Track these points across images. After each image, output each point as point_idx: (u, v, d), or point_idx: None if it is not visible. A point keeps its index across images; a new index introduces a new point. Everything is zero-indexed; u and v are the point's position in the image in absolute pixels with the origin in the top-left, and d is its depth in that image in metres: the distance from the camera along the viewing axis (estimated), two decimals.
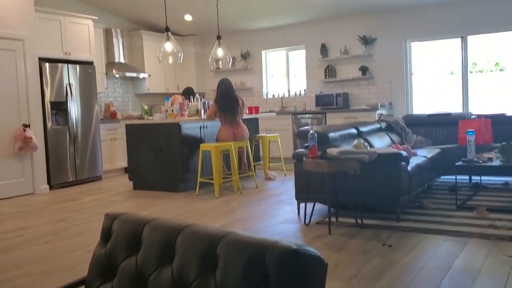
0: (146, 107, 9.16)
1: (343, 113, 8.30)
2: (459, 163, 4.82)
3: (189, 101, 7.40)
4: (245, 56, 9.86)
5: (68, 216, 5.22)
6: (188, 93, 8.03)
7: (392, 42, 8.40)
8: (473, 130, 5.14)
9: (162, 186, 6.47)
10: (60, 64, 7.25)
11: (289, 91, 9.69)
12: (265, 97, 9.89)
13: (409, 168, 4.45)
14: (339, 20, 8.85)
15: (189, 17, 9.02)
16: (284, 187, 6.43)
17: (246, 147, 6.64)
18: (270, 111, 9.28)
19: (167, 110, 6.82)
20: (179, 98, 7.71)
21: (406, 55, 8.39)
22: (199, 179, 6.11)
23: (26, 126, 6.60)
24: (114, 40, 8.85)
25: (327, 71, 8.98)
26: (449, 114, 6.62)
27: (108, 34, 8.80)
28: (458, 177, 4.99)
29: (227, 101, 6.43)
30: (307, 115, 8.71)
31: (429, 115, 6.76)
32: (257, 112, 7.62)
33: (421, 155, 5.19)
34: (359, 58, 8.66)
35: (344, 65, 8.89)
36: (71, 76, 7.39)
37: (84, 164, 7.55)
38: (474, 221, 4.17)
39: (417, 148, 5.81)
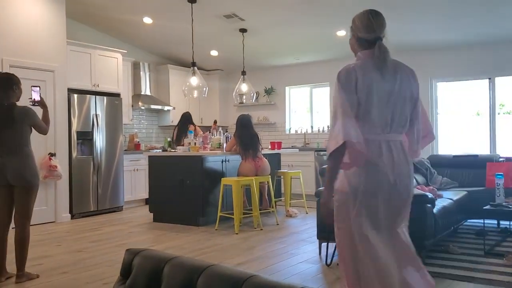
0: (169, 139, 9.23)
1: None
2: (487, 207, 4.68)
3: (187, 129, 7.36)
4: (268, 92, 9.93)
5: (87, 247, 5.22)
6: (185, 119, 7.82)
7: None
8: (502, 173, 5.02)
9: (182, 219, 6.44)
10: (88, 95, 7.40)
11: (312, 127, 9.67)
12: (288, 132, 9.88)
13: (434, 210, 4.34)
14: None
15: (215, 52, 9.17)
16: (305, 225, 6.33)
17: (268, 182, 6.60)
18: (292, 147, 9.26)
19: (189, 143, 6.86)
20: (199, 131, 7.70)
21: (432, 94, 8.33)
22: (219, 214, 6.07)
23: (52, 155, 6.70)
24: (142, 73, 9.03)
25: None
26: (476, 155, 6.49)
27: (136, 67, 8.99)
28: (486, 221, 4.85)
29: (247, 136, 6.45)
30: None
31: (455, 156, 6.63)
32: (279, 148, 7.60)
33: (447, 197, 5.07)
34: None
35: None
36: (98, 107, 7.52)
37: (106, 194, 7.59)
38: (503, 269, 4.01)
39: (443, 190, 5.68)
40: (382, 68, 2.31)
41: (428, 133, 2.57)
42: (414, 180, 5.80)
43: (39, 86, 4.19)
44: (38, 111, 4.08)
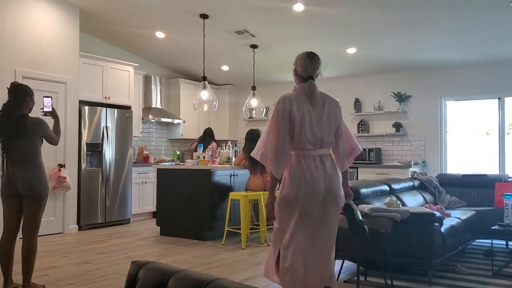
0: (178, 152, 9.29)
1: (375, 169, 8.20)
2: (496, 227, 4.64)
3: (208, 144, 7.50)
4: None
5: (94, 259, 5.23)
6: (208, 135, 8.09)
7: (426, 100, 8.37)
8: (510, 193, 4.98)
9: (189, 233, 6.44)
10: (99, 107, 7.47)
11: None
12: None
13: (442, 229, 4.31)
14: (373, 76, 8.91)
15: (226, 67, 9.25)
16: None
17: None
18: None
19: (198, 157, 6.89)
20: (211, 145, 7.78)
21: (441, 113, 8.33)
22: (226, 228, 6.06)
23: (62, 166, 6.75)
24: (153, 86, 9.11)
25: (360, 126, 8.96)
26: (485, 175, 6.45)
27: (147, 80, 9.08)
28: (494, 241, 4.80)
29: None
30: None
31: (464, 175, 6.59)
32: None
33: (455, 217, 5.03)
34: (393, 115, 8.64)
35: (377, 121, 8.86)
36: (108, 119, 7.59)
37: (114, 207, 7.62)
38: None
39: (451, 209, 5.64)
40: (312, 99, 2.95)
41: (354, 148, 3.21)
42: (422, 198, 5.77)
43: (51, 97, 4.24)
44: (49, 121, 4.12)
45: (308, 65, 2.99)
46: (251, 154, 3.06)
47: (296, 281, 2.88)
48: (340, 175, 2.99)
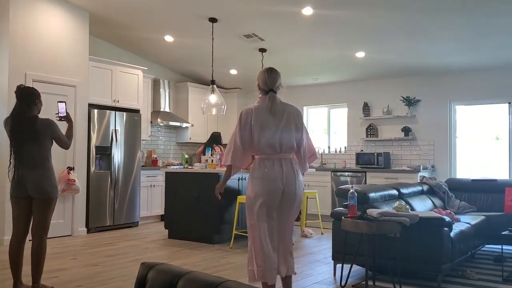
0: (186, 156, 9.31)
1: (384, 173, 8.16)
2: (506, 232, 4.60)
3: (213, 149, 7.50)
4: None
5: (103, 261, 5.25)
6: (213, 139, 8.10)
7: (436, 104, 8.33)
8: None
9: (197, 236, 6.45)
10: (108, 111, 7.52)
11: (329, 147, 9.66)
12: None
13: (452, 234, 4.29)
14: (383, 80, 8.89)
15: (234, 71, 9.27)
16: (321, 245, 6.29)
17: None
18: (309, 167, 9.22)
19: (206, 160, 6.90)
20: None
21: (450, 118, 8.28)
22: (234, 232, 6.06)
23: (71, 168, 6.79)
24: (161, 90, 9.15)
25: (368, 130, 8.93)
26: (495, 180, 6.40)
27: (156, 84, 9.12)
28: (505, 247, 4.77)
29: None
30: (346, 173, 8.61)
31: (473, 180, 6.55)
32: None
33: (465, 222, 5.00)
34: (402, 119, 8.60)
35: (386, 125, 8.83)
36: (117, 123, 7.63)
37: (122, 209, 7.65)
38: None
39: (460, 214, 5.60)
40: (271, 109, 3.37)
41: (313, 153, 3.67)
42: (431, 203, 5.74)
43: (65, 102, 4.26)
44: (62, 126, 4.13)
45: (267, 79, 3.41)
46: (222, 163, 3.60)
47: (259, 270, 3.30)
48: (300, 176, 3.44)
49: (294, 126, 3.41)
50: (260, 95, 3.49)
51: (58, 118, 4.15)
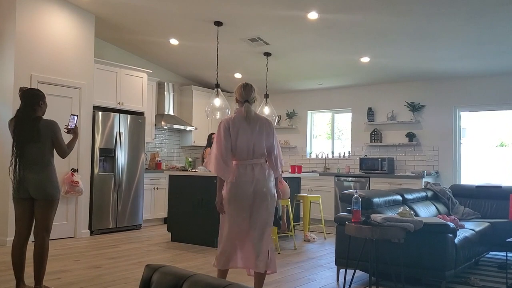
0: (190, 159, 9.31)
1: (388, 179, 8.14)
2: (511, 239, 4.57)
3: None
4: (290, 116, 9.97)
5: (105, 263, 5.24)
6: (209, 141, 8.06)
7: (440, 110, 8.31)
8: None
9: (200, 239, 6.44)
10: (112, 113, 7.53)
11: (333, 152, 9.65)
12: (308, 156, 9.87)
13: (456, 240, 4.27)
14: (387, 85, 8.88)
15: (239, 75, 9.27)
16: (324, 250, 6.27)
17: (287, 205, 6.57)
18: (312, 171, 9.22)
19: None
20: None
21: (455, 124, 8.26)
22: None
23: (75, 170, 6.80)
24: (166, 93, 9.16)
25: (373, 135, 8.92)
26: (500, 186, 6.37)
27: (160, 87, 9.14)
28: (509, 254, 4.73)
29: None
30: (350, 178, 8.60)
31: (478, 187, 6.52)
32: (299, 171, 7.58)
33: (469, 228, 4.97)
34: (406, 124, 8.59)
35: (390, 130, 8.82)
36: (121, 125, 7.64)
37: (125, 212, 7.65)
38: None
39: (465, 220, 5.58)
40: (246, 119, 3.77)
41: (281, 160, 3.98)
42: (435, 209, 5.72)
43: (77, 115, 4.28)
44: (67, 138, 4.13)
45: (243, 92, 3.86)
46: (203, 165, 3.92)
47: (226, 262, 3.72)
48: (272, 179, 3.80)
49: (265, 135, 3.79)
50: (236, 107, 3.90)
51: (65, 130, 4.15)
